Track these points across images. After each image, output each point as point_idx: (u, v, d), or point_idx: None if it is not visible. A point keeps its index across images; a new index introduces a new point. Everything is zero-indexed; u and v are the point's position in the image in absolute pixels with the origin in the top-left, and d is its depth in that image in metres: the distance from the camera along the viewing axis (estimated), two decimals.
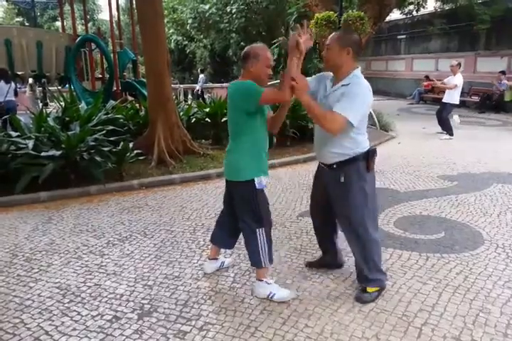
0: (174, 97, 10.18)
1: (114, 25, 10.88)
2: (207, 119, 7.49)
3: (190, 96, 14.95)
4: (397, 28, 18.75)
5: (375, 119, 8.72)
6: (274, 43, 13.33)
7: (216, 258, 2.99)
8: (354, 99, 2.31)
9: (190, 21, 20.24)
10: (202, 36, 22.09)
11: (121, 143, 5.22)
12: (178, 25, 22.93)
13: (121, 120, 6.53)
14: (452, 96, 7.86)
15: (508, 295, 2.60)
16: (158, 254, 3.24)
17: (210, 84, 16.33)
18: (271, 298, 2.55)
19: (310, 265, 3.01)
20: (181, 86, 14.99)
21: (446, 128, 8.09)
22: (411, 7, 14.77)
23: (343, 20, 10.70)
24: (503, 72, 12.22)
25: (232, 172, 2.62)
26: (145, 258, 3.18)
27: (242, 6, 17.79)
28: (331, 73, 2.54)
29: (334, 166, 2.52)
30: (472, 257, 3.12)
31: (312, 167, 6.16)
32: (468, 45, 15.05)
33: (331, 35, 2.46)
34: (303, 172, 5.85)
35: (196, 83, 15.19)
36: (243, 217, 2.59)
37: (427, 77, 14.76)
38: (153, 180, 5.25)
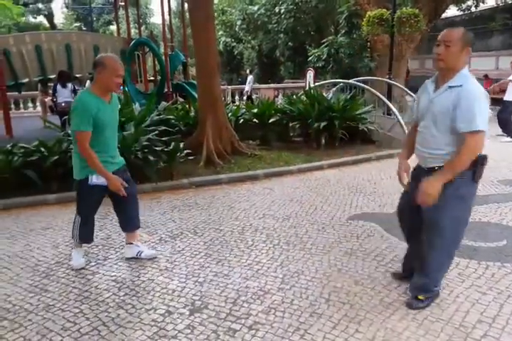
0: (223, 98, 10.35)
1: (166, 28, 11.22)
2: (255, 120, 7.55)
3: (237, 97, 15.12)
4: (454, 25, 17.79)
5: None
6: (324, 42, 13.17)
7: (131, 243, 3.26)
8: (473, 107, 2.13)
9: (238, 23, 20.54)
10: (250, 37, 22.33)
11: (173, 143, 5.37)
12: (227, 26, 23.32)
13: (173, 121, 6.73)
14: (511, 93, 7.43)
15: None
16: (207, 252, 3.30)
17: (258, 85, 16.42)
18: (70, 262, 3.14)
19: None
20: (229, 87, 15.19)
21: (508, 130, 7.60)
22: (469, 3, 14.08)
23: (396, 17, 10.39)
24: None
25: None
26: (195, 256, 3.25)
27: (290, 6, 17.76)
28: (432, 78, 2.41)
29: (435, 168, 2.32)
30: None
31: (361, 169, 6.08)
32: None
33: (451, 32, 2.22)
34: (352, 174, 5.73)
35: (244, 84, 15.33)
36: None
37: (486, 76, 13.98)
38: (202, 180, 5.36)
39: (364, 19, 11.55)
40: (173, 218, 4.11)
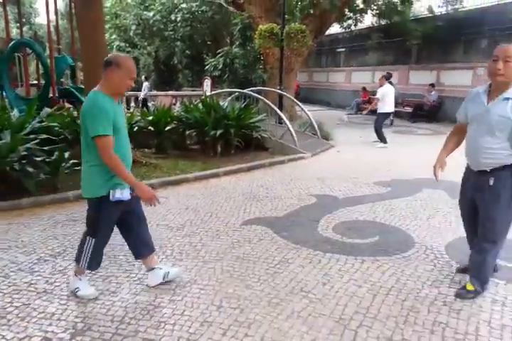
0: None
1: (52, 29, 10.42)
2: (150, 128, 7.35)
3: (133, 104, 14.59)
4: (338, 42, 19.60)
5: (316, 128, 9.01)
6: (219, 53, 13.41)
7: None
8: None
9: (133, 28, 19.88)
10: (146, 43, 21.75)
11: (56, 152, 4.97)
12: (120, 31, 22.40)
13: (57, 128, 6.22)
14: (382, 107, 8.48)
15: (435, 294, 2.77)
16: None
17: (155, 92, 16.05)
18: (76, 291, 2.70)
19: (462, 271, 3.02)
20: None
21: (381, 136, 8.56)
22: (350, 21, 15.53)
23: (285, 32, 11.01)
24: (432, 85, 13.17)
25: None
26: None
27: (187, 15, 17.77)
28: (481, 87, 2.63)
29: (487, 170, 2.57)
30: (404, 259, 3.30)
31: (255, 175, 6.28)
32: (402, 58, 16.04)
33: (510, 48, 2.42)
34: (247, 180, 5.90)
35: (140, 91, 14.86)
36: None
37: (364, 89, 15.54)
38: None
39: (256, 32, 12.04)
40: (55, 235, 3.79)
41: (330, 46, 19.87)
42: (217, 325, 2.42)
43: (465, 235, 3.01)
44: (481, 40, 12.69)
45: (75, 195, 4.88)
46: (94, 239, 2.62)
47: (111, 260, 3.28)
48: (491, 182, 2.55)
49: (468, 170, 2.79)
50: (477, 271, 2.76)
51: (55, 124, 6.27)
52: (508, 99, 2.46)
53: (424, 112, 13.06)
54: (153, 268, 2.87)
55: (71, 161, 5.15)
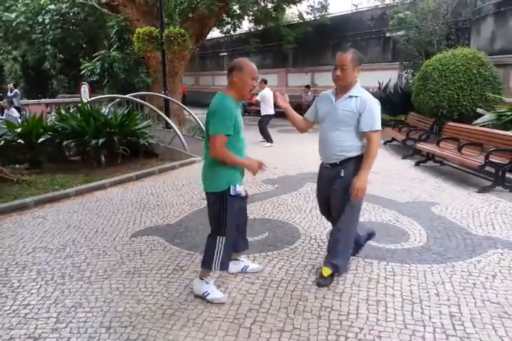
0: None
1: None
2: (19, 141, 6.62)
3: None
4: (220, 46, 19.98)
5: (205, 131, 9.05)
6: (96, 56, 12.64)
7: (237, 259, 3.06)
8: (373, 112, 2.74)
9: None
10: (10, 47, 19.52)
11: None
12: None
13: None
14: (264, 109, 8.93)
15: None
16: None
17: (25, 101, 14.49)
18: (206, 295, 2.71)
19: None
20: None
21: (266, 136, 8.96)
22: (228, 26, 15.93)
23: (165, 36, 10.83)
24: (307, 86, 14.19)
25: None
26: None
27: (56, 17, 16.34)
28: (330, 90, 2.94)
29: (337, 162, 2.86)
30: (291, 251, 3.48)
31: (145, 183, 6.06)
32: (281, 62, 16.99)
33: (344, 56, 2.73)
34: (136, 190, 5.66)
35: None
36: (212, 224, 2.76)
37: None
38: None
39: (134, 35, 11.64)
40: None
41: (213, 50, 20.16)
42: None
43: None
44: (345, 43, 14.06)
45: None
46: (224, 237, 2.66)
47: None
48: (342, 173, 2.84)
49: (322, 166, 3.04)
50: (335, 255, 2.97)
51: None
52: (351, 96, 2.80)
53: (303, 112, 13.97)
54: (237, 259, 3.07)
55: None
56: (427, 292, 2.81)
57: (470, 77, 7.76)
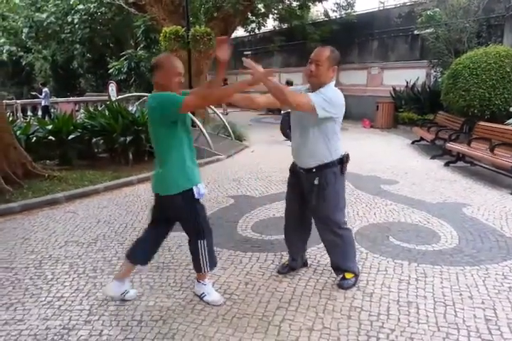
0: (9, 115, 9.02)
1: None
2: (50, 137, 6.81)
3: (29, 112, 13.36)
4: (244, 45, 20.00)
5: (230, 130, 9.09)
6: (123, 55, 12.85)
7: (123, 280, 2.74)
8: (325, 95, 2.46)
9: (25, 30, 18.21)
10: (40, 47, 20.09)
11: None
12: (10, 34, 20.44)
13: None
14: (285, 108, 8.80)
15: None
16: None
17: (54, 99, 14.89)
18: (202, 297, 2.71)
19: (280, 272, 3.05)
20: (18, 101, 13.31)
21: (288, 135, 8.90)
22: (253, 25, 15.93)
23: (191, 35, 10.92)
24: None
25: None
26: None
27: (84, 16, 16.73)
28: (304, 86, 2.72)
29: (313, 170, 2.66)
30: (318, 250, 3.45)
31: None
32: (305, 60, 16.82)
33: (321, 52, 2.54)
34: None
35: (38, 98, 13.64)
36: (187, 230, 2.66)
37: None
38: None
39: (161, 34, 11.78)
40: None
41: (237, 49, 20.19)
42: (140, 340, 2.31)
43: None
44: (371, 42, 13.85)
45: None
46: (204, 240, 2.61)
47: (14, 285, 2.96)
48: (316, 181, 2.65)
49: (294, 170, 2.88)
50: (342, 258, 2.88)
51: None
52: None
53: None
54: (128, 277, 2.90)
55: None
56: (460, 294, 2.74)
57: (503, 76, 7.53)
